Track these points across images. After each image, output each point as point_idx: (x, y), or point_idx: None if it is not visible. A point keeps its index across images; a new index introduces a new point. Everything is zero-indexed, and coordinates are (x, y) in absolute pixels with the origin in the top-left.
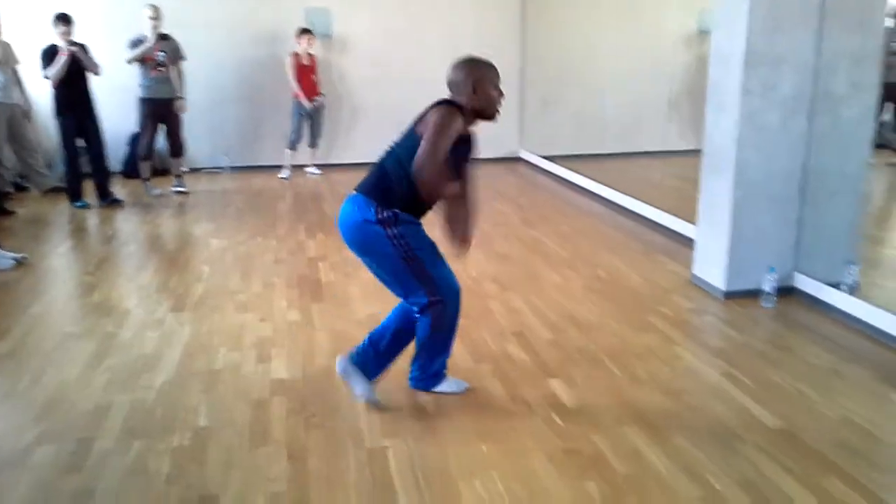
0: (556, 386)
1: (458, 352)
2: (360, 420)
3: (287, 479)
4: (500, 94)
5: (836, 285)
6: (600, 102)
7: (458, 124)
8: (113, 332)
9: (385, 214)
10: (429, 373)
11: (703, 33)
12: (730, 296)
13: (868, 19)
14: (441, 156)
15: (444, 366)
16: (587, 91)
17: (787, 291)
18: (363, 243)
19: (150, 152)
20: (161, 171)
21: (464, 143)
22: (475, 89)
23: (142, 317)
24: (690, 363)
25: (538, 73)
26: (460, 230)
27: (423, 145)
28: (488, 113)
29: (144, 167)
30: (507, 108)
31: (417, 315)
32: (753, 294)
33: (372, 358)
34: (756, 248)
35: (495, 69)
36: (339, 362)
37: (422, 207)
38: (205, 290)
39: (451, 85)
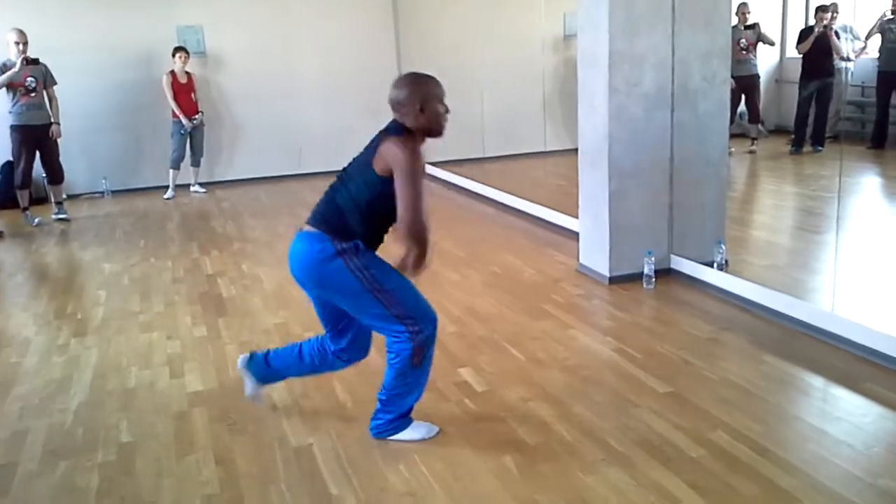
0: (465, 374)
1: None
2: (282, 422)
3: (219, 481)
4: (447, 109)
5: (708, 264)
6: (477, 108)
7: (422, 158)
8: (17, 361)
9: (344, 245)
10: (396, 415)
11: (569, 37)
12: (614, 280)
13: (714, 19)
14: (422, 201)
15: (411, 408)
16: (464, 97)
17: (665, 273)
18: (323, 280)
19: (27, 180)
20: (37, 200)
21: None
22: (423, 108)
23: (44, 344)
24: (584, 342)
25: None
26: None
27: (405, 201)
28: (436, 131)
29: (23, 196)
30: (386, 116)
31: (392, 352)
32: (635, 277)
33: (264, 370)
34: (634, 234)
35: (440, 84)
36: (241, 359)
37: (377, 240)
38: (105, 313)
39: (395, 104)
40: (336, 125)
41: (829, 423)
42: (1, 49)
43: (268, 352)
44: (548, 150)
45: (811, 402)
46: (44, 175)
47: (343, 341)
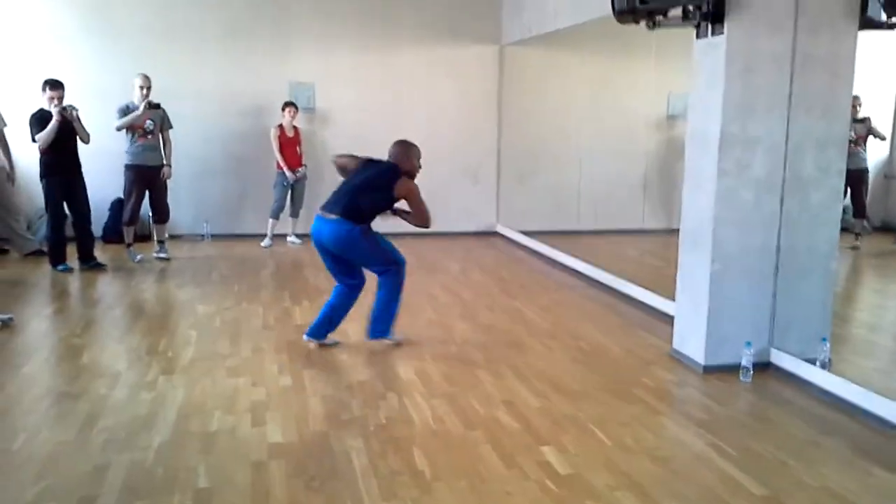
0: (548, 452)
1: (449, 419)
2: (359, 484)
3: None
4: (420, 166)
5: (810, 361)
6: (574, 180)
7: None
8: (106, 393)
9: (363, 227)
10: (388, 325)
11: (672, 118)
12: (709, 369)
13: (833, 107)
14: (427, 210)
15: (395, 317)
16: (561, 169)
17: (763, 366)
18: (349, 246)
19: (134, 218)
20: (141, 237)
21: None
22: (406, 162)
23: (133, 379)
24: (675, 432)
25: (514, 149)
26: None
27: (419, 212)
28: (413, 175)
29: (129, 232)
30: (484, 183)
31: (385, 276)
32: (731, 368)
33: (327, 325)
34: (733, 323)
35: (419, 150)
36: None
37: (372, 220)
38: (195, 353)
39: (393, 155)
40: (432, 187)
41: None
42: (125, 92)
43: (313, 328)
44: (642, 228)
45: None
46: (150, 214)
47: (352, 278)
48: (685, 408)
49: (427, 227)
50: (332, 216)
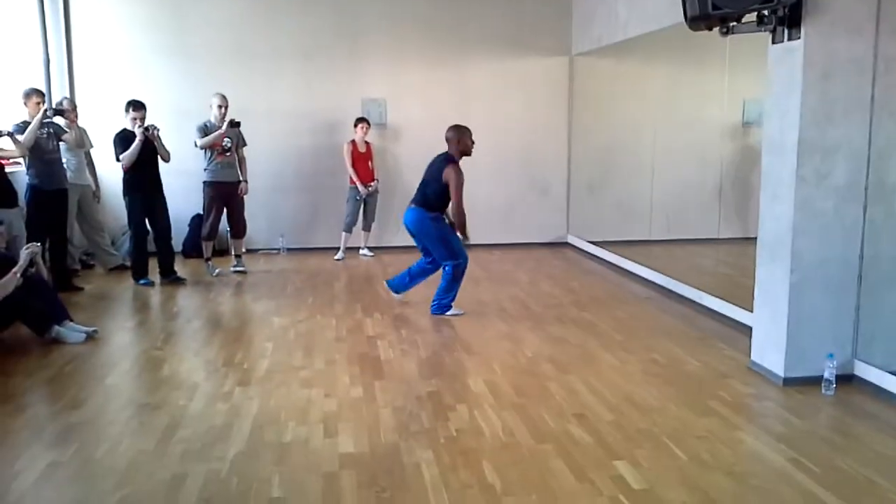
0: (622, 467)
1: (520, 431)
2: (429, 496)
3: None
4: (473, 143)
5: None
6: (646, 190)
7: (461, 173)
8: (184, 404)
9: (434, 215)
10: (444, 304)
11: (747, 125)
12: (789, 382)
13: None
14: (461, 198)
15: (453, 301)
16: (633, 178)
17: (846, 379)
18: (424, 230)
19: (213, 233)
20: (219, 252)
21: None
22: (459, 142)
23: (210, 390)
24: (753, 447)
25: (584, 159)
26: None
27: (455, 198)
28: (467, 154)
29: (207, 247)
30: (554, 193)
31: (445, 268)
32: (812, 381)
33: (406, 283)
34: (814, 334)
35: (470, 131)
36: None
37: (444, 208)
38: (270, 365)
39: (448, 139)
40: (502, 200)
41: None
42: (203, 111)
43: (394, 280)
44: (716, 237)
45: None
46: (228, 229)
47: (428, 259)
48: (764, 422)
49: (460, 218)
50: (413, 205)
